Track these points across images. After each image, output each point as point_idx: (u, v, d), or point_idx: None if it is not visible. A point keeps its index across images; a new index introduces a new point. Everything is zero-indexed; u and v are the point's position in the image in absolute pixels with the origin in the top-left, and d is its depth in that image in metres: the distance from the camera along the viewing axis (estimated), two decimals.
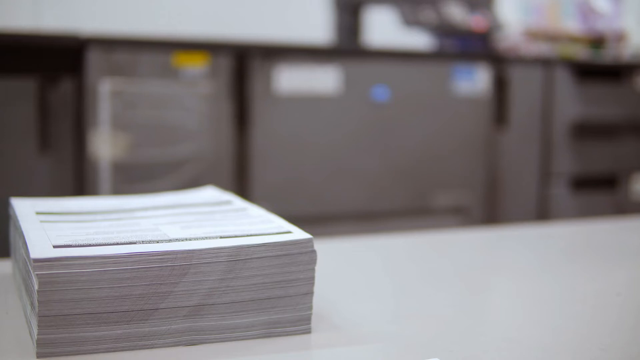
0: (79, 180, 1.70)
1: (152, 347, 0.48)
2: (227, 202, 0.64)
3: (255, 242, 0.49)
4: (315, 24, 2.47)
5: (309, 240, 0.51)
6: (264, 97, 1.86)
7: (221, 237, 0.50)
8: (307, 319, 0.51)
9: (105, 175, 1.70)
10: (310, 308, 0.51)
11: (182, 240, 0.49)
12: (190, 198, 0.67)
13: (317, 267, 0.51)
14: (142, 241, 0.49)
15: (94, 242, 0.48)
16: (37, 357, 0.46)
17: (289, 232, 0.52)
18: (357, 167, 2.00)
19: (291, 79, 1.89)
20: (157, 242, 0.49)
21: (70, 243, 0.48)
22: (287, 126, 1.91)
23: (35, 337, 0.46)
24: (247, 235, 0.51)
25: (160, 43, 1.76)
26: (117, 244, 0.48)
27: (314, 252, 0.51)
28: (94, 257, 0.46)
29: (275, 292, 0.50)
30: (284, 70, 1.88)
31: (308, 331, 0.51)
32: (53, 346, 0.46)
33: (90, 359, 0.46)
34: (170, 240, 0.49)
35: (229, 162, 1.83)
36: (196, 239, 0.50)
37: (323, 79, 1.94)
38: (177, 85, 1.76)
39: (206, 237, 0.50)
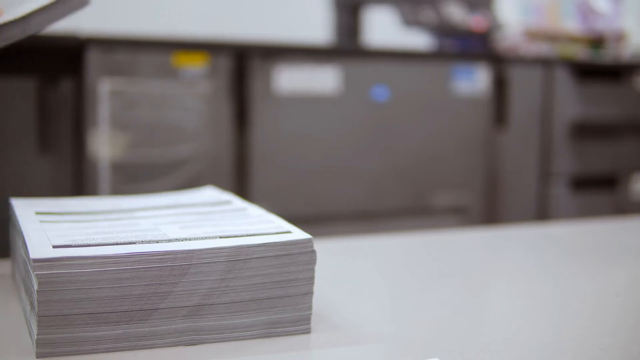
0: (78, 180, 1.70)
1: (151, 347, 0.48)
2: (227, 202, 0.64)
3: (255, 242, 0.49)
4: (315, 24, 2.47)
5: (308, 241, 0.51)
6: (263, 97, 1.86)
7: (221, 237, 0.50)
8: (307, 319, 0.51)
9: (104, 175, 1.70)
10: (310, 308, 0.51)
11: (182, 240, 0.49)
12: (189, 198, 0.67)
13: (317, 267, 0.51)
14: (142, 241, 0.49)
15: (93, 242, 0.48)
16: (37, 357, 0.46)
17: (288, 232, 0.52)
18: (357, 167, 2.00)
19: (291, 79, 1.89)
20: (157, 242, 0.49)
21: (69, 243, 0.48)
22: (287, 126, 1.91)
23: (35, 337, 0.46)
24: (247, 235, 0.51)
25: (159, 43, 1.76)
26: (117, 244, 0.48)
27: (313, 252, 0.51)
28: (94, 257, 0.46)
29: (275, 292, 0.50)
30: (284, 70, 1.88)
31: (308, 331, 0.51)
32: (53, 346, 0.46)
33: (90, 359, 0.46)
34: (169, 240, 0.49)
35: (229, 162, 1.83)
36: (196, 239, 0.50)
37: (323, 79, 1.93)
38: (177, 85, 1.76)
39: (206, 237, 0.50)
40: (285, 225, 0.54)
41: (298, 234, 0.52)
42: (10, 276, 0.62)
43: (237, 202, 0.64)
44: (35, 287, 0.45)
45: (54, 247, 0.47)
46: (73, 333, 0.46)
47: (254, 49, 1.86)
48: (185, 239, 0.50)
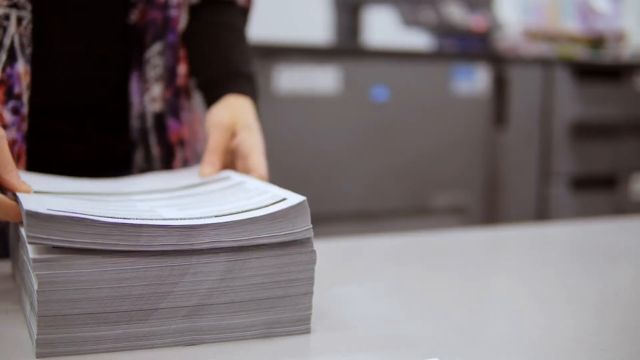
0: None
1: (151, 347, 0.48)
2: (225, 179, 0.63)
3: (254, 244, 0.49)
4: (315, 24, 2.47)
5: (308, 240, 0.51)
6: (263, 97, 1.86)
7: (216, 216, 0.49)
8: (307, 319, 0.51)
9: None
10: (310, 308, 0.51)
11: (177, 220, 0.49)
12: (187, 177, 0.67)
13: (317, 267, 0.51)
14: (137, 218, 0.48)
15: (90, 214, 0.47)
16: (37, 357, 0.45)
17: (283, 199, 0.52)
18: (357, 167, 2.00)
19: (291, 79, 1.89)
20: (152, 220, 0.48)
21: (64, 209, 0.47)
22: (287, 126, 1.91)
23: (35, 337, 0.45)
24: (241, 212, 0.50)
25: None
26: (111, 217, 0.47)
27: (313, 252, 0.51)
28: (93, 258, 0.46)
29: (274, 292, 0.50)
30: (284, 70, 1.88)
31: (307, 331, 0.51)
32: (52, 346, 0.46)
33: (90, 359, 0.46)
34: (165, 220, 0.48)
35: None
36: (191, 218, 0.49)
37: (323, 79, 1.94)
38: None
39: (202, 217, 0.50)
40: (280, 193, 0.54)
41: (293, 198, 0.51)
42: (10, 276, 0.62)
43: (235, 176, 0.63)
44: (35, 287, 0.45)
45: (48, 209, 0.46)
46: (73, 333, 0.46)
47: (254, 49, 1.85)
48: (180, 219, 0.49)
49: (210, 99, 0.75)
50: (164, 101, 0.76)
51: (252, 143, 0.69)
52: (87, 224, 0.45)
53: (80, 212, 0.46)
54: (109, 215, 0.47)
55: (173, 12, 0.75)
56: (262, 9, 2.60)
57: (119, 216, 0.48)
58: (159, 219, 0.48)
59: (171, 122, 0.77)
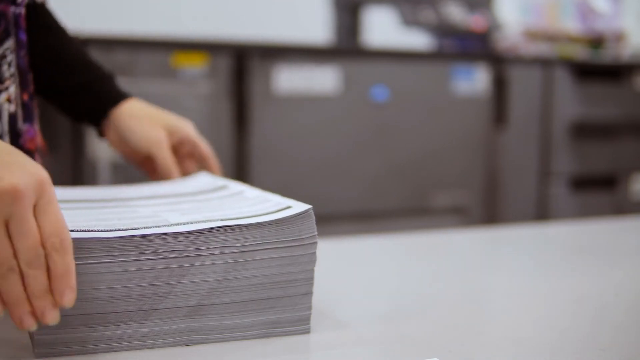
0: (78, 180, 1.70)
1: (151, 347, 0.48)
2: (223, 188, 0.63)
3: (260, 249, 0.49)
4: (315, 24, 2.46)
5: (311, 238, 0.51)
6: (263, 97, 1.86)
7: (222, 220, 0.49)
8: (307, 319, 0.51)
9: (104, 175, 1.70)
10: (310, 308, 0.51)
11: (185, 224, 0.49)
12: (185, 186, 0.67)
13: (316, 267, 0.51)
14: (144, 227, 0.48)
15: (95, 229, 0.48)
16: (37, 357, 0.45)
17: (288, 207, 0.52)
18: (357, 167, 2.00)
19: (290, 79, 1.89)
20: (159, 228, 0.48)
21: (71, 229, 0.47)
22: (287, 126, 1.91)
23: (35, 337, 0.45)
24: (249, 217, 0.50)
25: (159, 43, 1.76)
26: (119, 230, 0.47)
27: (313, 253, 0.51)
28: (93, 260, 0.46)
29: (274, 292, 0.50)
30: (283, 70, 1.88)
31: (307, 331, 0.51)
32: (52, 346, 0.46)
33: (90, 359, 0.46)
34: (172, 225, 0.48)
35: (229, 162, 1.83)
36: (198, 222, 0.49)
37: (322, 79, 1.93)
38: (177, 86, 1.76)
39: (208, 220, 0.49)
40: (283, 201, 0.54)
41: (298, 206, 0.51)
42: None
43: (233, 186, 0.63)
44: None
45: None
46: (73, 333, 0.46)
47: (254, 49, 1.86)
48: (188, 223, 0.49)
49: (98, 107, 0.77)
50: (20, 104, 0.70)
51: (193, 133, 0.82)
52: (96, 241, 0.46)
53: (86, 230, 0.47)
54: (114, 228, 0.47)
55: (20, 10, 0.69)
56: (261, 9, 2.61)
57: (125, 227, 0.48)
58: (166, 225, 0.48)
59: (26, 127, 0.71)
